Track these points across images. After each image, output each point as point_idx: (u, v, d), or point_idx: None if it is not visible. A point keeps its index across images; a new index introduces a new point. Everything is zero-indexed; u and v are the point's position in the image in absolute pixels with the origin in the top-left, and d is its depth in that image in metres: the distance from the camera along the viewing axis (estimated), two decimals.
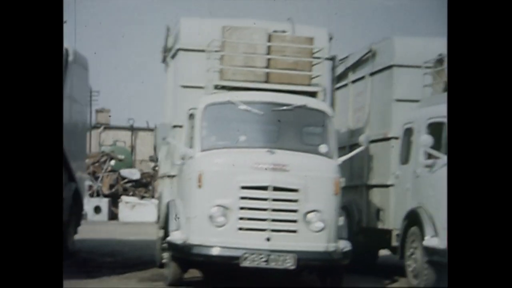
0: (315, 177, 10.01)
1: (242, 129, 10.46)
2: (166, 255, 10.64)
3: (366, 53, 13.52)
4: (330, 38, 12.37)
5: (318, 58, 11.12)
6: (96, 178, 31.68)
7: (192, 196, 10.03)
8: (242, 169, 9.86)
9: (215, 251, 9.75)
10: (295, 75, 10.74)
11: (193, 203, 10.00)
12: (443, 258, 10.25)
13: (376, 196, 13.12)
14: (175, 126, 11.42)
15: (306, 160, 10.15)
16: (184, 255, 10.02)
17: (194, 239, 9.88)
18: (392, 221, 12.20)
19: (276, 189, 9.81)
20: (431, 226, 10.60)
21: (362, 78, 13.83)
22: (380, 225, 12.83)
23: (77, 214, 14.08)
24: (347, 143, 13.60)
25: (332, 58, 12.02)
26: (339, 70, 14.84)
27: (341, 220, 10.24)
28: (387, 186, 12.51)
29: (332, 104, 12.11)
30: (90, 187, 31.12)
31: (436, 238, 10.46)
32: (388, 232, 12.34)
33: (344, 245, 10.26)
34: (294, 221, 9.85)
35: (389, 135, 12.55)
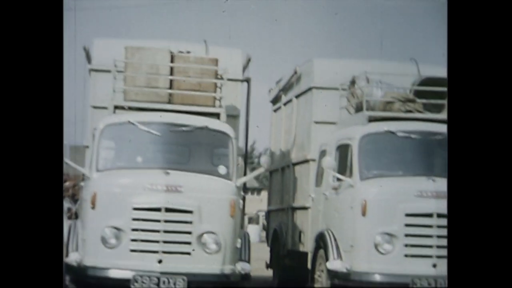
0: (210, 198, 9.98)
1: (140, 149, 10.45)
2: (67, 277, 10.59)
3: (292, 76, 13.56)
4: (248, 60, 12.46)
5: (221, 79, 11.17)
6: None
7: (86, 217, 10.01)
8: (136, 190, 9.83)
9: (106, 273, 9.71)
10: (198, 96, 10.75)
11: (87, 224, 9.98)
12: (345, 282, 10.29)
13: (298, 219, 13.11)
14: (86, 147, 11.42)
15: (201, 181, 10.13)
16: (79, 276, 9.97)
17: (87, 261, 9.84)
18: (309, 243, 12.19)
19: (169, 210, 9.78)
20: (335, 249, 10.59)
21: (290, 100, 13.87)
22: (301, 248, 12.81)
23: None
24: (279, 165, 13.63)
25: (247, 80, 11.98)
26: (274, 92, 14.94)
27: (239, 242, 10.18)
28: (306, 208, 12.50)
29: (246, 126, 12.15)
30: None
31: (339, 261, 10.44)
32: (306, 255, 12.32)
33: (242, 267, 10.22)
34: (188, 243, 9.82)
35: (308, 157, 12.56)
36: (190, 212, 9.83)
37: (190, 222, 9.83)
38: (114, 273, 9.72)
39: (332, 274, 10.51)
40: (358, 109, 11.35)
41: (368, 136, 10.75)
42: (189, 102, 10.77)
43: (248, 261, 10.47)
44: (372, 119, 11.00)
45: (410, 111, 10.97)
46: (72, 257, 10.05)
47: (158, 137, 10.34)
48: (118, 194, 9.84)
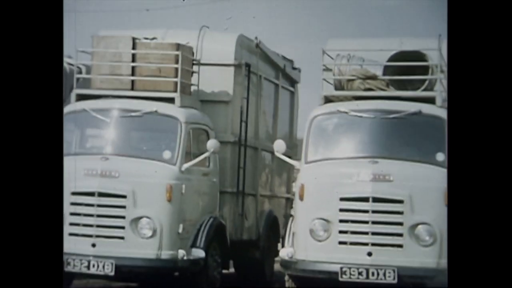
0: (145, 183, 10.22)
1: (91, 136, 10.93)
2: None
3: None
4: (257, 44, 12.46)
5: (198, 64, 11.39)
6: None
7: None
8: (74, 176, 10.29)
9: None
10: (159, 82, 10.98)
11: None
12: (286, 270, 10.16)
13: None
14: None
15: (139, 166, 10.37)
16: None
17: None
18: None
19: (102, 195, 10.15)
20: (290, 236, 10.40)
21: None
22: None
23: None
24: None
25: (238, 65, 11.96)
26: None
27: (180, 228, 10.29)
28: None
29: (246, 112, 12.11)
30: None
31: (288, 249, 10.24)
32: None
33: (193, 253, 10.47)
34: (122, 228, 10.11)
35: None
36: (123, 197, 10.12)
37: None
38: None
39: (280, 261, 10.32)
40: (336, 88, 10.97)
41: (319, 117, 10.40)
42: (150, 88, 11.05)
43: (203, 248, 10.57)
44: (330, 99, 10.61)
45: (370, 89, 10.42)
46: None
47: (107, 123, 10.71)
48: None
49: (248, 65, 12.20)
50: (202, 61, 11.81)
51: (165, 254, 10.22)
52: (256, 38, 12.59)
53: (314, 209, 9.86)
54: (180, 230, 10.34)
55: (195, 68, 11.62)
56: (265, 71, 13.16)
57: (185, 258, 10.31)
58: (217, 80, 11.94)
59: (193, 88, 11.60)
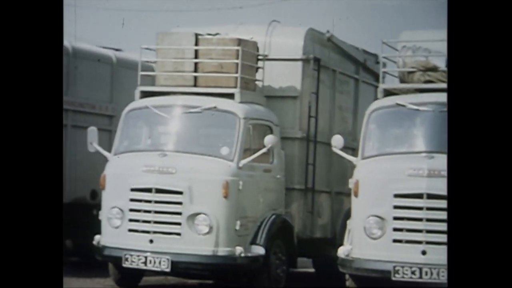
0: (202, 179, 10.24)
1: (152, 132, 11.03)
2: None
3: None
4: (328, 38, 12.29)
5: (263, 59, 11.33)
6: None
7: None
8: (134, 172, 10.44)
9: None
10: (221, 78, 10.98)
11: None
12: (343, 268, 9.97)
13: None
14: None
15: (196, 163, 10.39)
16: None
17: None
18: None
19: (159, 191, 10.24)
20: (348, 234, 10.20)
21: None
22: None
23: None
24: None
25: (306, 59, 11.82)
26: None
27: (238, 224, 10.26)
28: None
29: (316, 107, 11.95)
30: None
31: (346, 247, 10.05)
32: None
33: (253, 250, 10.44)
34: (178, 224, 10.18)
35: None
36: (180, 193, 10.16)
37: (180, 203, 10.16)
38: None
39: (338, 260, 10.14)
40: (401, 80, 10.69)
41: (377, 111, 10.14)
42: (212, 84, 11.07)
43: (264, 245, 10.50)
44: (391, 92, 10.33)
45: (430, 81, 10.08)
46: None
47: (168, 120, 10.82)
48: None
49: (317, 60, 12.03)
50: (270, 56, 11.75)
51: (222, 250, 10.23)
52: (327, 31, 12.42)
53: (368, 206, 9.66)
54: (238, 227, 10.31)
55: (261, 63, 11.57)
56: (341, 65, 12.95)
57: (242, 255, 10.29)
58: (285, 75, 11.85)
59: (259, 83, 11.57)
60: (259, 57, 11.56)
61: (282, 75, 11.83)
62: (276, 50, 11.84)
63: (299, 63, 11.87)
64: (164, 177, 10.31)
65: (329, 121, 12.60)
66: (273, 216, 10.88)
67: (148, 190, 10.33)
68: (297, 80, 11.83)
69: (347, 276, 10.21)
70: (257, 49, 11.55)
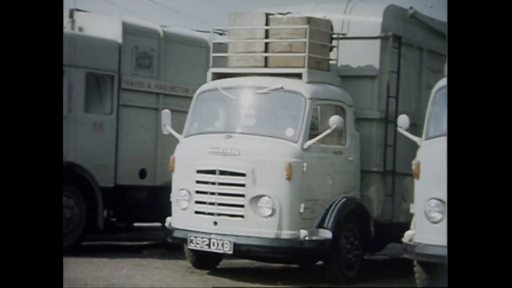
0: (265, 161, 10.20)
1: (220, 114, 11.05)
2: None
3: None
4: (412, 14, 11.95)
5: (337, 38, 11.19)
6: None
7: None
8: (200, 154, 10.52)
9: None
10: (291, 58, 10.88)
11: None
12: (405, 253, 9.70)
13: None
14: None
15: (259, 144, 10.34)
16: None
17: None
18: None
19: (223, 173, 10.27)
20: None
21: None
22: None
23: None
24: None
25: (384, 37, 11.50)
26: None
27: (302, 207, 10.14)
28: None
29: (397, 87, 11.63)
30: None
31: (411, 232, 9.76)
32: None
33: (320, 233, 10.28)
34: (242, 206, 10.18)
35: None
36: (243, 174, 10.15)
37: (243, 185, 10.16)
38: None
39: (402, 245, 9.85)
40: None
41: (443, 90, 9.76)
42: (282, 65, 10.99)
43: (331, 229, 10.35)
44: None
45: None
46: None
47: (236, 101, 10.84)
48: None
49: (398, 37, 11.69)
50: (349, 35, 11.54)
51: (285, 233, 10.16)
52: (411, 8, 12.05)
53: (429, 188, 9.31)
54: (302, 210, 10.21)
55: (335, 42, 11.38)
56: (430, 42, 12.52)
57: (307, 238, 10.17)
58: (362, 54, 11.61)
59: (335, 63, 11.39)
60: (334, 36, 11.38)
61: (360, 54, 11.61)
62: (354, 28, 11.63)
63: (378, 41, 11.59)
64: (227, 158, 10.34)
65: (415, 101, 12.23)
66: (344, 199, 10.70)
67: (212, 172, 10.41)
68: (375, 59, 11.57)
69: (414, 262, 9.91)
70: (331, 28, 11.37)
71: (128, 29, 13.10)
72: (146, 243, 14.56)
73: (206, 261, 11.33)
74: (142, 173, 13.13)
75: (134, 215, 13.71)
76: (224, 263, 11.69)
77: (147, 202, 13.54)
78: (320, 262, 11.00)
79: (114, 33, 13.03)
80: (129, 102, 13.05)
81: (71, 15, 13.53)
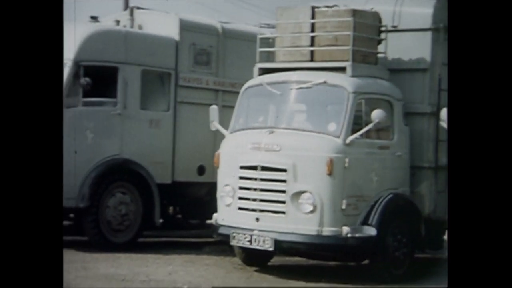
0: (306, 156, 10.11)
1: (265, 109, 11.00)
2: None
3: None
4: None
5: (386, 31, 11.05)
6: None
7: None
8: (243, 150, 10.51)
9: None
10: (336, 51, 10.76)
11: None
12: None
13: None
14: None
15: (301, 139, 10.25)
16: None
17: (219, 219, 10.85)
18: None
19: (264, 168, 10.23)
20: None
21: None
22: None
23: None
24: None
25: (436, 29, 11.23)
26: None
27: (344, 204, 10.00)
28: None
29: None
30: None
31: None
32: None
33: (364, 230, 10.16)
34: (283, 202, 10.12)
35: None
36: (284, 170, 10.09)
37: (284, 181, 10.10)
38: (222, 230, 10.45)
39: None
40: None
41: None
42: (327, 58, 10.88)
43: (376, 226, 10.18)
44: None
45: None
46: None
47: (280, 96, 10.76)
48: (230, 154, 10.44)
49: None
50: (400, 27, 11.33)
51: (327, 230, 10.06)
52: None
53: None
54: (344, 206, 10.08)
55: (384, 35, 11.19)
56: None
57: (349, 235, 10.04)
58: (413, 47, 11.39)
59: (385, 56, 11.21)
60: (382, 29, 11.19)
61: (411, 47, 11.38)
62: (405, 20, 11.43)
63: (429, 33, 11.33)
64: (269, 154, 10.30)
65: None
66: (390, 195, 10.51)
67: (254, 168, 10.39)
68: (427, 52, 11.31)
69: None
70: (379, 20, 11.18)
71: (185, 26, 13.22)
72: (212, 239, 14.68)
73: (256, 258, 11.32)
74: (201, 170, 13.22)
75: (195, 211, 13.82)
76: (277, 260, 11.67)
77: (208, 199, 13.63)
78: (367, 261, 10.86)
79: (171, 30, 13.17)
80: (187, 99, 13.18)
81: (131, 13, 13.77)
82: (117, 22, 13.67)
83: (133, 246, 12.37)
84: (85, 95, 12.03)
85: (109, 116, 12.32)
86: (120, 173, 12.45)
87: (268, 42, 11.67)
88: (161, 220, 13.03)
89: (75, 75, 11.91)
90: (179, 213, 14.26)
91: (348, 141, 10.18)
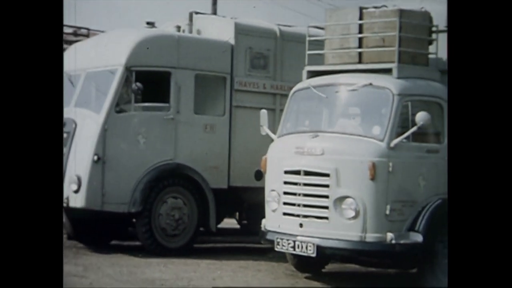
0: (348, 161, 9.98)
1: (311, 113, 10.91)
2: None
3: None
4: None
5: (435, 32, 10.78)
6: None
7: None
8: (287, 154, 10.45)
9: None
10: (384, 53, 10.59)
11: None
12: None
13: None
14: None
15: (344, 143, 10.13)
16: None
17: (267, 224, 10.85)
18: None
19: (307, 173, 10.14)
20: None
21: None
22: None
23: None
24: None
25: None
26: None
27: (388, 209, 9.82)
28: None
29: None
30: None
31: None
32: None
33: (411, 236, 9.98)
34: (326, 207, 10.01)
35: None
36: (327, 175, 9.98)
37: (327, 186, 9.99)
38: (270, 235, 10.44)
39: None
40: None
41: None
42: (375, 60, 10.72)
43: (422, 232, 9.96)
44: None
45: None
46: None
47: (326, 99, 10.66)
48: (276, 159, 10.39)
49: None
50: None
51: (370, 236, 9.92)
52: None
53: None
54: (388, 212, 9.90)
55: (435, 35, 10.94)
56: None
57: (393, 241, 9.85)
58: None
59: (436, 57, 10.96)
60: (433, 29, 10.94)
61: None
62: None
63: None
64: (312, 158, 10.22)
65: None
66: (439, 201, 10.25)
67: (297, 173, 10.33)
68: None
69: None
70: (430, 20, 10.95)
71: (241, 30, 13.33)
72: None
73: (309, 264, 11.24)
74: (258, 175, 13.18)
75: (254, 217, 13.81)
76: (333, 267, 11.56)
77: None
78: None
79: (227, 35, 13.25)
80: (243, 103, 13.28)
81: (190, 18, 13.90)
82: (178, 27, 13.85)
83: (190, 251, 12.49)
84: (137, 100, 12.26)
85: (162, 121, 12.50)
86: (173, 178, 12.58)
87: (318, 44, 11.59)
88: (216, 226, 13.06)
89: (127, 80, 12.18)
90: (245, 218, 14.28)
91: (392, 144, 10.00)
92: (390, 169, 9.97)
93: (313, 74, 11.26)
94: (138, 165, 12.22)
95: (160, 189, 12.35)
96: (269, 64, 13.50)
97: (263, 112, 11.52)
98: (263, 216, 13.29)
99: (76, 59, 12.95)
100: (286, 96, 13.43)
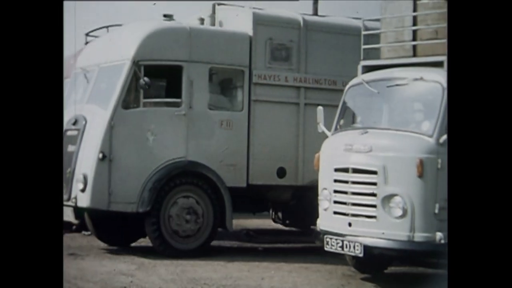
0: (396, 158, 9.80)
1: (363, 109, 10.76)
2: None
3: None
4: None
5: None
6: None
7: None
8: (337, 152, 10.35)
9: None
10: (437, 45, 10.37)
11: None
12: None
13: None
14: None
15: (392, 139, 9.96)
16: None
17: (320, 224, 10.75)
18: None
19: (355, 171, 10.00)
20: None
21: None
22: None
23: None
24: None
25: None
26: None
27: (437, 208, 9.57)
28: None
29: None
30: None
31: None
32: None
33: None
34: (374, 206, 9.87)
35: None
36: (374, 172, 9.83)
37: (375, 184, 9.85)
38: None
39: None
40: None
41: None
42: (429, 53, 10.52)
43: None
44: None
45: None
46: None
47: (377, 95, 10.53)
48: (327, 156, 10.28)
49: None
50: None
51: (419, 236, 9.81)
52: None
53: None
54: (437, 210, 9.73)
55: None
56: None
57: (442, 241, 9.65)
58: None
59: None
60: None
61: None
62: None
63: None
64: (360, 156, 10.17)
65: None
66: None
67: (346, 170, 10.27)
68: None
69: None
70: None
71: (260, 20, 13.00)
72: None
73: (370, 265, 11.07)
74: (281, 172, 12.99)
75: (283, 217, 13.56)
76: (399, 268, 11.37)
77: (294, 203, 13.36)
78: None
79: (245, 25, 12.92)
80: (263, 97, 12.97)
81: (213, 9, 13.58)
82: (201, 20, 13.47)
83: (205, 252, 12.14)
84: (146, 96, 12.04)
85: (173, 117, 12.25)
86: (184, 177, 12.28)
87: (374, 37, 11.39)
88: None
89: (135, 75, 11.97)
90: (280, 218, 13.93)
91: (441, 140, 9.79)
92: (439, 166, 9.76)
93: (368, 69, 11.13)
94: (147, 163, 11.98)
95: (170, 188, 12.08)
96: (292, 56, 13.10)
97: (320, 109, 11.42)
98: (301, 215, 13.05)
99: (91, 55, 12.97)
100: (312, 89, 13.16)
